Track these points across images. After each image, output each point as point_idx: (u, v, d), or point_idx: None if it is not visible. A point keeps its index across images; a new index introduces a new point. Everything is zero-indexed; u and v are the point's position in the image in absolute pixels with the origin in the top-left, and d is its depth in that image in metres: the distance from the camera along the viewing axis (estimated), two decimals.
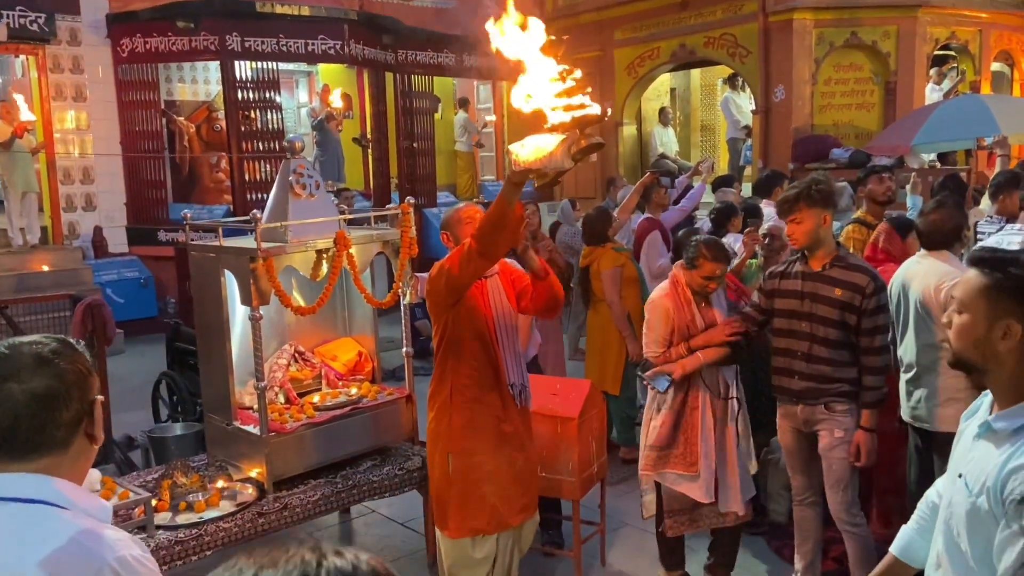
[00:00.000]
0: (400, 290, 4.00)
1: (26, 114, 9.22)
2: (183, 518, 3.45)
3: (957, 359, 1.81)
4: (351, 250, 3.77)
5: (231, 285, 3.76)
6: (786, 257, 3.93)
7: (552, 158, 2.52)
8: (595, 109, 2.45)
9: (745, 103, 12.06)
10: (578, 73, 2.50)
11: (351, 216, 4.15)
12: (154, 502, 3.44)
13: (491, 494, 3.15)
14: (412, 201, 3.99)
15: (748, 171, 11.79)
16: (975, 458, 1.75)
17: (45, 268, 9.30)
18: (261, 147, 10.17)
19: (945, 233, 3.58)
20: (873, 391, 3.34)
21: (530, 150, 2.56)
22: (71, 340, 1.41)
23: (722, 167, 13.78)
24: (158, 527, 3.35)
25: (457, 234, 3.26)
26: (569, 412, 3.77)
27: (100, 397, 1.42)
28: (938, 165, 9.76)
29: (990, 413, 1.75)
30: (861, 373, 3.36)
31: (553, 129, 2.52)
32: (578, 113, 2.45)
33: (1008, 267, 1.71)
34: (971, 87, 11.19)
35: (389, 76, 11.53)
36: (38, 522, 1.30)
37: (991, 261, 1.74)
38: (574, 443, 3.75)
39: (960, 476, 1.77)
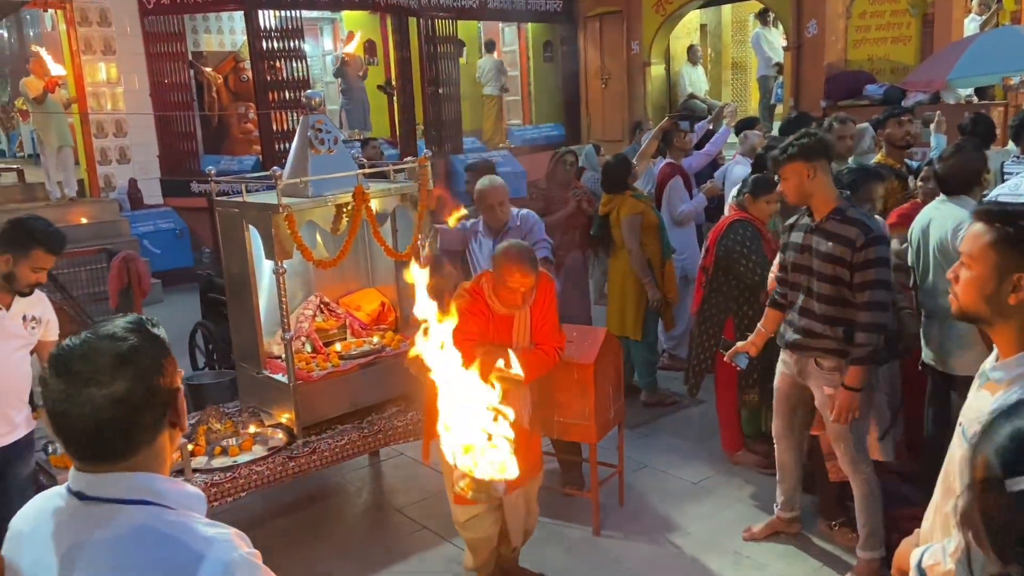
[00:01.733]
0: (419, 242, 4.09)
1: (56, 68, 9.34)
2: (218, 462, 3.65)
3: (963, 313, 1.82)
4: (370, 204, 3.85)
5: (256, 239, 3.88)
6: None
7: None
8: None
9: (777, 39, 11.76)
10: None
11: (370, 170, 4.21)
12: (191, 447, 3.64)
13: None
14: (428, 154, 4.05)
15: (779, 110, 11.58)
16: (972, 407, 1.80)
17: (83, 221, 9.52)
18: (287, 96, 10.22)
19: (963, 178, 3.56)
20: (860, 348, 3.27)
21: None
22: (147, 325, 1.36)
23: (753, 106, 13.54)
24: (195, 470, 3.55)
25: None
26: (585, 359, 3.86)
27: (180, 386, 1.37)
28: (975, 100, 9.47)
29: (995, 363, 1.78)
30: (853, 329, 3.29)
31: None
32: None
33: (1018, 220, 1.69)
34: (1011, 18, 10.77)
35: (412, 21, 11.44)
36: (142, 524, 1.28)
37: (998, 215, 1.72)
38: (590, 389, 3.85)
39: (960, 424, 1.82)
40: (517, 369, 2.94)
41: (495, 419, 1.79)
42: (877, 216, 3.72)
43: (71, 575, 1.26)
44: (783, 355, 3.65)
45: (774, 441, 3.85)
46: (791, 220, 3.60)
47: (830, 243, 3.28)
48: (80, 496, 1.30)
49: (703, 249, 4.85)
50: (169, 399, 1.34)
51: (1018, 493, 0.94)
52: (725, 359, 3.86)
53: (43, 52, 9.39)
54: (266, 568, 1.33)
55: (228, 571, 1.26)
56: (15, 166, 10.83)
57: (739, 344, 3.82)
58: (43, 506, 1.37)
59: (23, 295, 3.24)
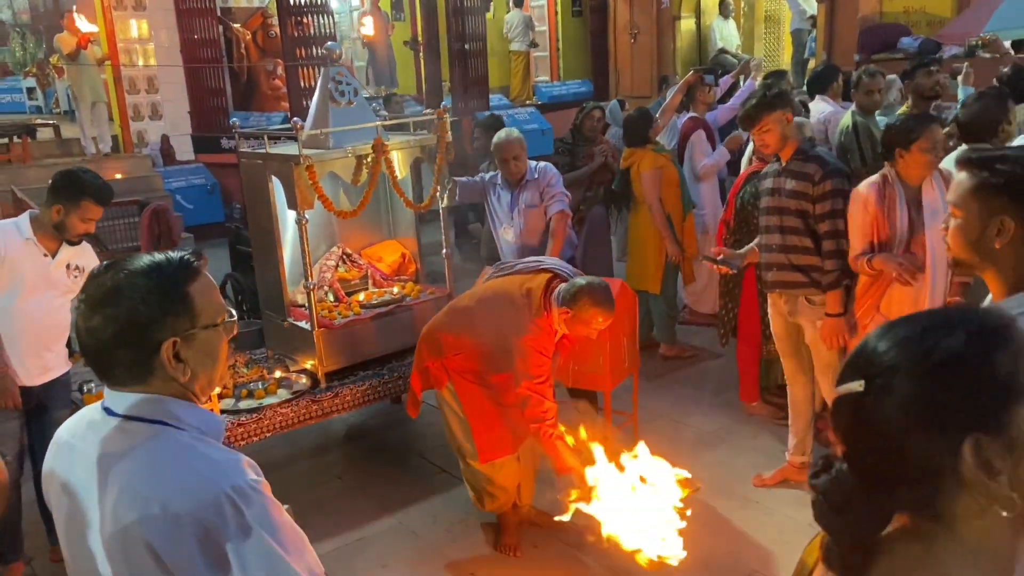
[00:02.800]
0: (437, 194, 4.16)
1: (87, 26, 9.46)
2: (244, 404, 3.80)
3: (956, 260, 1.87)
4: (390, 155, 3.93)
5: (279, 190, 3.99)
6: None
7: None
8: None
9: None
10: None
11: (390, 122, 4.28)
12: (219, 389, 3.80)
13: (506, 419, 3.41)
14: (447, 106, 4.12)
15: (812, 64, 11.36)
16: None
17: (118, 176, 9.72)
18: (315, 52, 10.25)
19: (982, 125, 3.57)
20: (828, 274, 3.50)
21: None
22: (159, 268, 1.38)
23: (786, 60, 13.29)
24: (223, 411, 3.70)
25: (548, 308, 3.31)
26: None
27: (175, 339, 1.37)
28: (1012, 53, 9.23)
29: None
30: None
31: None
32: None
33: (995, 164, 1.72)
34: None
35: None
36: (156, 443, 1.35)
37: (978, 161, 1.76)
38: (604, 339, 3.92)
39: None
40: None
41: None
42: None
43: (99, 482, 1.36)
44: (771, 298, 3.83)
45: (787, 386, 3.95)
46: (763, 171, 3.82)
47: (794, 180, 3.54)
48: (108, 411, 1.41)
49: (724, 204, 4.87)
50: (151, 346, 1.35)
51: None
52: (716, 265, 3.90)
53: (75, 12, 9.52)
54: (272, 497, 1.38)
55: (233, 495, 1.29)
56: (51, 122, 11.05)
57: (727, 251, 3.94)
58: (83, 416, 1.48)
59: (71, 244, 3.40)
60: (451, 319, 3.56)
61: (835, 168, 3.55)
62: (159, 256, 1.42)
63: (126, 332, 1.35)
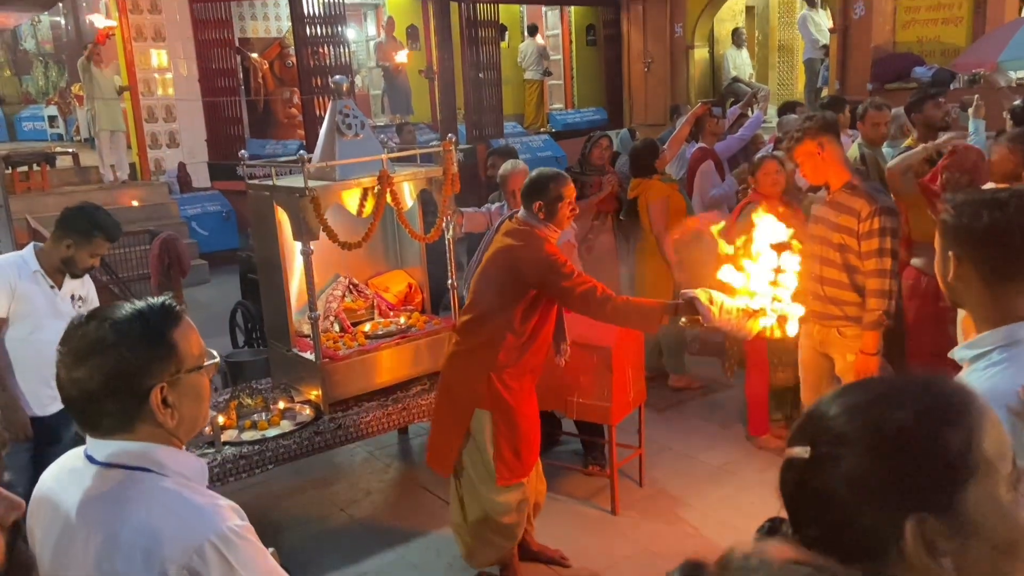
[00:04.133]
0: (444, 225, 4.17)
1: (102, 21, 9.57)
2: (247, 435, 3.79)
3: (947, 297, 1.90)
4: (395, 187, 3.95)
5: (286, 221, 4.01)
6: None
7: (739, 329, 2.75)
8: (796, 310, 2.66)
9: (824, 21, 11.51)
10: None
11: (396, 155, 4.31)
12: (222, 420, 3.80)
13: (523, 445, 3.35)
14: (453, 138, 4.12)
15: (825, 93, 11.36)
16: None
17: (135, 203, 9.86)
18: (331, 81, 10.39)
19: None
20: (871, 313, 3.46)
21: (726, 313, 2.73)
22: (143, 315, 1.40)
23: (799, 89, 13.30)
24: (225, 443, 3.70)
25: (555, 210, 3.20)
26: (605, 341, 3.91)
27: (162, 384, 1.38)
28: (1009, 85, 9.18)
29: None
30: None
31: (754, 312, 2.71)
32: (779, 308, 2.67)
33: (955, 205, 1.78)
34: None
35: (454, 7, 11.51)
36: (139, 490, 1.35)
37: (948, 201, 1.82)
38: (610, 371, 3.91)
39: None
40: None
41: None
42: None
43: (82, 530, 1.36)
44: (803, 329, 3.73)
45: None
46: (816, 194, 3.81)
47: (839, 213, 3.48)
48: (90, 459, 1.41)
49: None
50: (140, 393, 1.36)
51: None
52: None
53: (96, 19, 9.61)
54: (257, 542, 1.38)
55: (217, 542, 1.30)
56: (71, 149, 11.24)
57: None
58: (65, 464, 1.49)
59: (75, 277, 3.45)
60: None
61: (885, 206, 3.43)
62: (140, 304, 1.43)
63: (114, 381, 1.36)
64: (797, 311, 2.65)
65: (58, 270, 3.41)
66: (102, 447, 1.40)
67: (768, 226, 2.58)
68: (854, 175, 3.53)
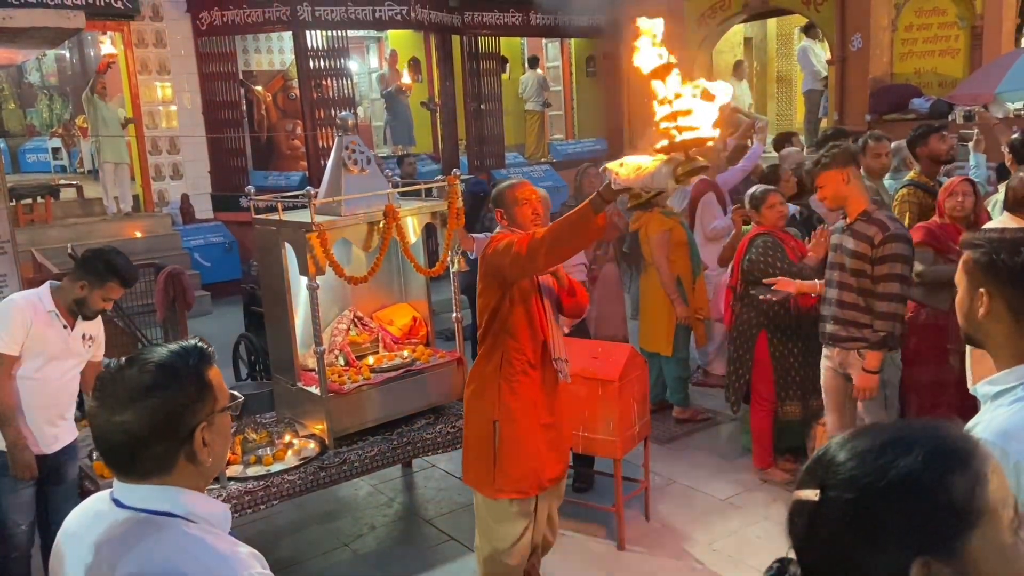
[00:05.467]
0: (448, 259, 4.19)
1: (108, 47, 9.67)
2: (253, 471, 3.77)
3: (964, 334, 1.92)
4: (400, 221, 3.97)
5: (292, 255, 4.03)
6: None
7: (653, 177, 2.52)
8: (707, 132, 2.46)
9: (823, 53, 11.65)
10: (691, 92, 2.46)
11: (401, 189, 4.34)
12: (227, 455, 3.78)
13: (531, 459, 3.31)
14: (458, 173, 4.16)
15: (824, 124, 11.46)
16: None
17: (138, 235, 9.89)
18: (334, 114, 10.48)
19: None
20: (875, 334, 3.66)
21: (629, 169, 2.58)
22: (186, 358, 1.43)
23: (798, 120, 13.42)
24: (230, 479, 3.68)
25: (513, 214, 3.31)
26: (609, 375, 3.92)
27: (203, 424, 1.42)
28: (1023, 114, 9.27)
29: None
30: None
31: (660, 151, 2.51)
32: (689, 135, 2.45)
33: (981, 244, 1.83)
34: None
35: (456, 39, 11.64)
36: (165, 537, 1.37)
37: (970, 242, 1.87)
38: (614, 404, 3.90)
39: None
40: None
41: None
42: None
43: (101, 573, 1.36)
44: (825, 351, 3.96)
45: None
46: (835, 224, 4.00)
47: (855, 240, 3.66)
48: (118, 503, 1.43)
49: (728, 269, 4.87)
50: (186, 436, 1.40)
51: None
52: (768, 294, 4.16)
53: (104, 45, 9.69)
54: None
55: None
56: (75, 182, 11.29)
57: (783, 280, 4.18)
58: (90, 508, 1.50)
59: (87, 319, 3.45)
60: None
61: (897, 233, 3.63)
62: (174, 346, 1.46)
63: (162, 424, 1.39)
64: (704, 130, 2.46)
65: (71, 311, 3.42)
66: (131, 492, 1.41)
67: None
68: (870, 204, 3.72)
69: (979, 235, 1.86)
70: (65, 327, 3.41)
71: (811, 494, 0.93)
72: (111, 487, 1.46)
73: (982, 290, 1.74)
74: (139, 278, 3.56)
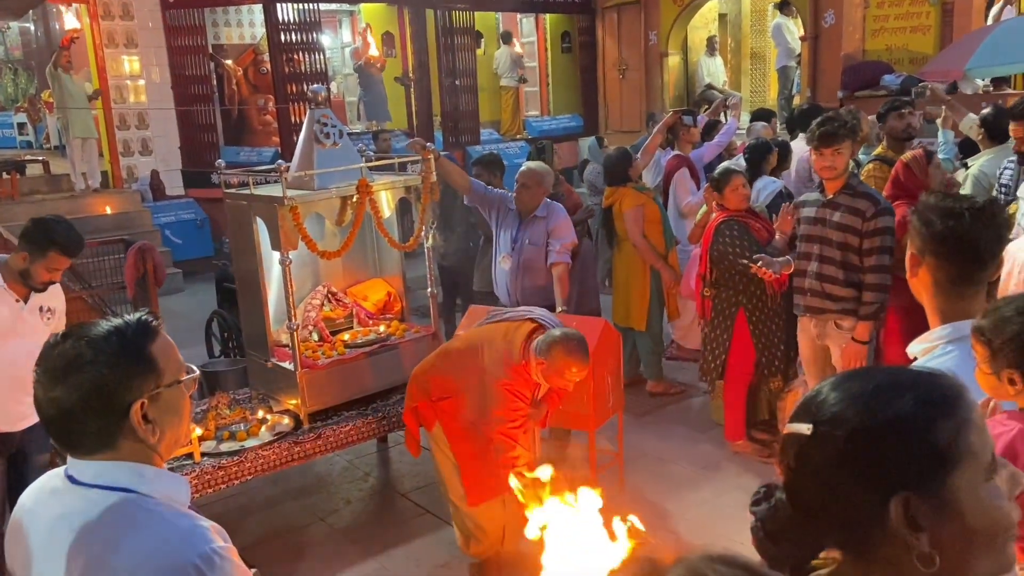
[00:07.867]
0: (422, 234, 4.18)
1: (71, 21, 9.46)
2: (226, 446, 3.77)
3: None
4: (374, 196, 3.95)
5: (264, 231, 3.99)
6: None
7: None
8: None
9: (797, 29, 11.67)
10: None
11: (374, 163, 4.31)
12: (200, 431, 3.77)
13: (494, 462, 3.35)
14: (431, 147, 4.14)
15: (797, 100, 11.51)
16: None
17: (107, 211, 9.74)
18: (306, 89, 10.35)
19: None
20: (867, 305, 3.75)
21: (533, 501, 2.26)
22: (120, 331, 1.38)
23: (772, 96, 13.46)
24: (203, 454, 3.67)
25: (550, 375, 3.25)
26: None
27: (142, 400, 1.37)
28: (991, 90, 9.38)
29: None
30: (862, 289, 3.75)
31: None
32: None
33: (923, 210, 1.93)
34: None
35: (430, 13, 11.51)
36: (122, 512, 1.34)
37: (915, 208, 1.98)
38: (588, 378, 3.92)
39: None
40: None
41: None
42: None
43: (64, 552, 1.35)
44: (801, 322, 4.05)
45: None
46: (800, 198, 4.10)
47: (841, 214, 3.72)
48: (72, 480, 1.40)
49: (696, 255, 4.89)
50: (120, 410, 1.35)
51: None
52: (757, 267, 4.12)
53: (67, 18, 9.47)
54: (240, 563, 1.38)
55: (201, 564, 1.30)
56: (41, 158, 11.07)
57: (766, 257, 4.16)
58: (46, 484, 1.47)
59: (37, 291, 3.38)
60: (439, 362, 3.59)
61: (886, 207, 3.76)
62: (117, 320, 1.42)
63: (93, 399, 1.34)
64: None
65: (22, 284, 3.35)
66: (84, 467, 1.39)
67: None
68: (851, 177, 3.85)
69: (925, 200, 1.92)
70: (17, 301, 3.34)
71: (803, 428, 0.98)
72: None
73: (912, 251, 1.87)
74: (83, 246, 3.41)
